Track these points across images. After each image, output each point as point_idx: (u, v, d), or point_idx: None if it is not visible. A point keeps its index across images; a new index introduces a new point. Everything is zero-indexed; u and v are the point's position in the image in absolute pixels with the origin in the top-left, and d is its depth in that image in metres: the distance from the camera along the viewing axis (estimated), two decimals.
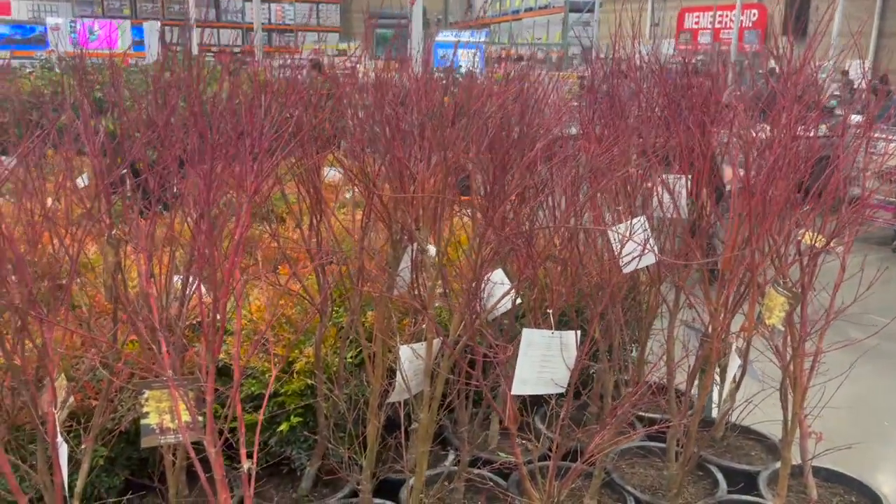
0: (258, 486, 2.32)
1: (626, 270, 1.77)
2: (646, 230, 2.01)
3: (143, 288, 1.58)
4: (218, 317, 1.41)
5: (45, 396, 1.93)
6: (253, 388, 2.21)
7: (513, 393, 1.57)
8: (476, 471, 2.24)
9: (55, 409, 1.89)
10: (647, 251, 1.95)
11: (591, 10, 12.20)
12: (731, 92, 2.39)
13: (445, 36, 10.78)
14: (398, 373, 1.66)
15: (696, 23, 16.19)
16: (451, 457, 2.44)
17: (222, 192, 1.46)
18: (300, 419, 2.24)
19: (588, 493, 2.24)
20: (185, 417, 1.53)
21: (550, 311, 1.56)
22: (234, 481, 2.12)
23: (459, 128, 1.56)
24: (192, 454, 1.48)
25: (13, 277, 1.49)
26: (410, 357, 1.63)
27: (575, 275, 1.77)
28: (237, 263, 1.39)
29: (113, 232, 1.62)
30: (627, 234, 1.81)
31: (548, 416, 2.58)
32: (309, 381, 2.23)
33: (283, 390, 2.21)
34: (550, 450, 1.83)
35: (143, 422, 1.56)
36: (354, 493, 2.26)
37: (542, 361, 1.53)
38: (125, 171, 1.74)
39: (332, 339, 2.25)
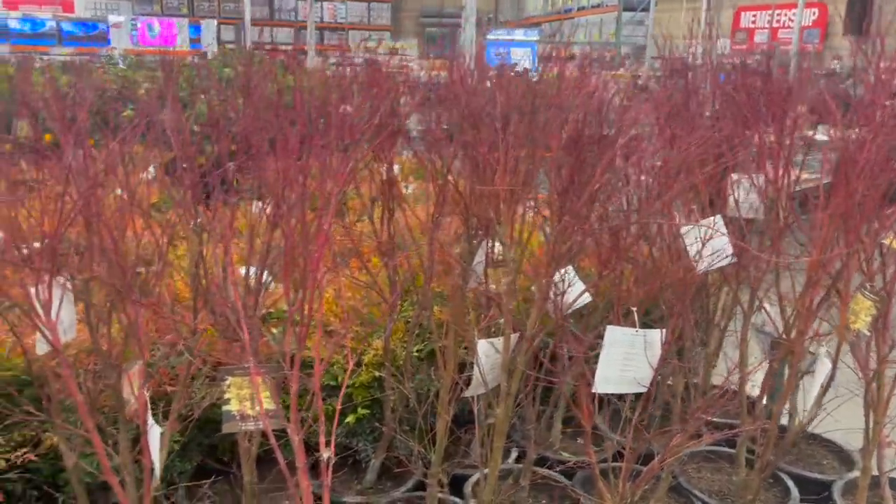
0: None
1: (705, 269, 1.74)
2: (723, 230, 1.97)
3: (228, 276, 1.61)
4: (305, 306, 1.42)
5: (125, 380, 1.99)
6: (322, 379, 2.23)
7: (594, 391, 1.55)
8: (542, 470, 2.23)
9: (139, 392, 1.94)
10: (725, 251, 1.91)
11: (645, 9, 12.02)
12: (812, 90, 2.32)
13: (497, 35, 10.75)
14: (475, 367, 1.66)
15: (753, 22, 15.82)
16: (513, 454, 2.44)
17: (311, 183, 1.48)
18: (367, 411, 2.25)
19: (654, 497, 2.20)
20: (266, 405, 1.55)
21: (634, 309, 1.53)
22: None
23: (542, 121, 1.55)
24: (273, 441, 1.50)
25: (105, 263, 1.54)
26: (488, 351, 1.63)
27: (655, 273, 1.74)
28: (324, 254, 1.41)
29: (198, 220, 1.66)
30: (707, 233, 1.78)
31: (617, 417, 2.55)
32: (376, 374, 2.24)
33: (350, 382, 2.23)
34: (617, 452, 1.81)
35: (224, 408, 1.59)
36: (418, 487, 2.26)
37: (626, 360, 1.51)
38: (211, 160, 1.78)
39: (401, 332, 2.26)
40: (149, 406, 1.46)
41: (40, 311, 1.30)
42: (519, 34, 10.79)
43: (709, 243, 1.80)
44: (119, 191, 1.91)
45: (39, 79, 5.56)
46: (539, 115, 1.56)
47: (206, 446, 2.23)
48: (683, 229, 1.84)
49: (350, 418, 2.23)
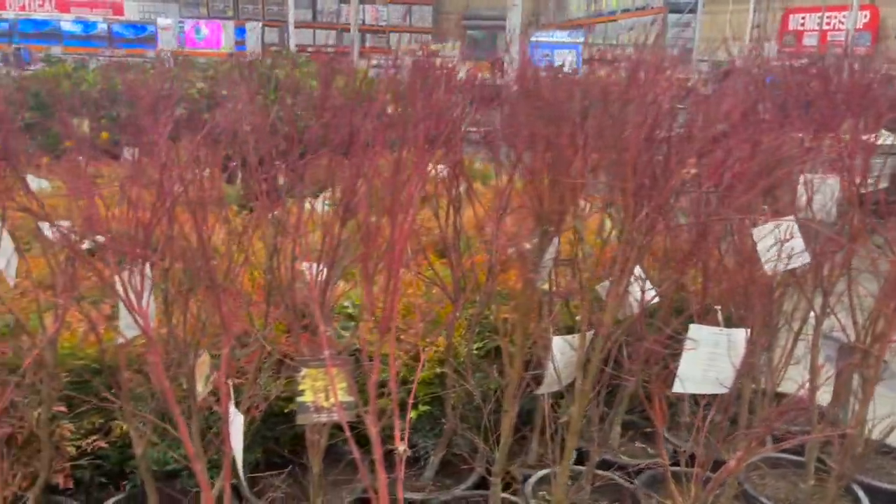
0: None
1: (784, 269, 1.70)
2: (796, 231, 1.93)
3: (305, 270, 1.62)
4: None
5: (197, 369, 2.02)
6: (384, 375, 2.24)
7: (675, 391, 1.52)
8: (605, 473, 2.20)
9: (222, 381, 1.96)
10: (799, 252, 1.87)
11: (692, 11, 11.85)
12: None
13: (541, 37, 10.70)
14: (550, 364, 1.65)
15: (802, 24, 15.49)
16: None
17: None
18: (427, 407, 2.25)
19: (721, 503, 2.16)
20: (340, 397, 1.56)
21: (718, 308, 1.51)
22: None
23: (622, 117, 1.53)
24: (349, 433, 1.51)
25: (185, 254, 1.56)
26: (563, 348, 1.61)
27: (730, 273, 1.71)
28: (405, 249, 1.41)
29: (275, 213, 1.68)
30: (784, 233, 1.74)
31: (672, 421, 2.51)
32: (437, 370, 2.24)
33: (411, 378, 2.23)
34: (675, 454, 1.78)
35: (298, 399, 1.59)
36: (477, 485, 2.25)
37: (709, 360, 1.48)
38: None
39: (462, 328, 2.26)
40: (232, 395, 1.47)
41: (133, 299, 1.32)
42: (562, 36, 10.73)
43: (784, 244, 1.76)
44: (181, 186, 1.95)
45: (98, 78, 5.69)
46: (619, 111, 1.54)
47: (270, 438, 2.26)
48: (760, 229, 1.80)
49: (412, 414, 2.22)
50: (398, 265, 1.40)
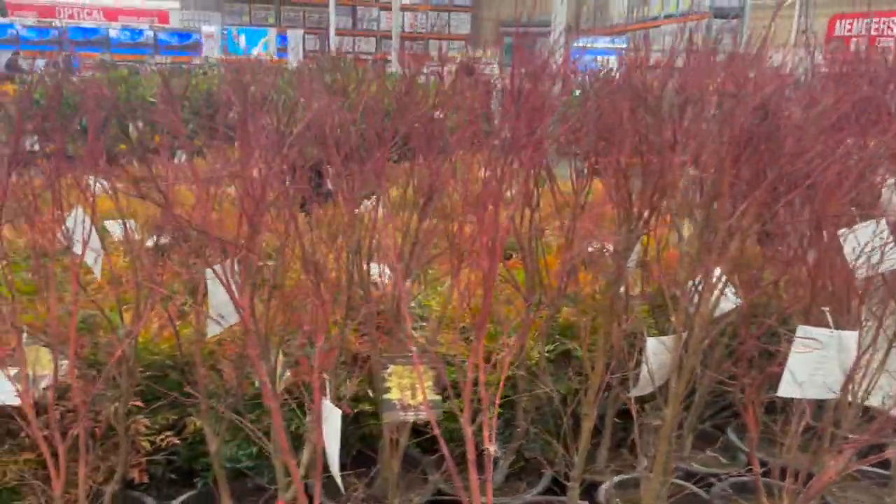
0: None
1: (885, 271, 1.63)
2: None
3: (395, 268, 1.60)
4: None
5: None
6: (453, 376, 2.21)
7: (780, 394, 1.47)
8: (686, 484, 2.14)
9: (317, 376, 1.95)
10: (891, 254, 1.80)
11: (737, 16, 11.68)
12: None
13: (583, 42, 10.62)
14: (643, 366, 1.61)
15: (849, 30, 15.19)
16: (643, 462, 2.35)
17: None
18: (499, 410, 2.22)
19: None
20: (429, 395, 1.54)
21: (827, 309, 1.45)
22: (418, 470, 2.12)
23: (721, 115, 1.49)
24: (437, 432, 1.49)
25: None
26: (656, 350, 1.57)
27: (824, 275, 1.65)
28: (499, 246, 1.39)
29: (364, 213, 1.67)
30: (881, 236, 1.67)
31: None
32: (508, 373, 2.21)
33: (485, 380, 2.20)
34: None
35: (384, 397, 1.58)
36: (548, 490, 2.21)
37: (817, 362, 1.42)
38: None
39: (535, 330, 2.22)
40: (328, 390, 1.46)
41: (235, 292, 1.32)
42: (605, 42, 10.66)
43: (881, 246, 1.70)
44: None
45: (151, 83, 5.80)
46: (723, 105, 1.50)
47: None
48: (850, 230, 1.74)
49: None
50: (494, 263, 1.38)
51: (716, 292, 1.83)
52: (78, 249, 1.62)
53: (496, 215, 1.49)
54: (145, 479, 2.06)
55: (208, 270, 1.41)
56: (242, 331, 1.65)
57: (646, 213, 1.59)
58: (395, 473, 1.78)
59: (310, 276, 1.45)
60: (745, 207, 1.44)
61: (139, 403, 2.05)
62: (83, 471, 1.64)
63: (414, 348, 1.54)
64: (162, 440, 2.09)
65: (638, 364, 1.70)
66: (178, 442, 2.10)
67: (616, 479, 2.23)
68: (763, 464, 2.26)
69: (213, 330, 1.58)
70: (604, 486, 2.19)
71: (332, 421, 1.35)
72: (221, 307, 1.59)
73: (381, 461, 2.02)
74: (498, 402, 1.60)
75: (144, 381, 2.07)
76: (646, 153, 1.50)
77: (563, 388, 2.27)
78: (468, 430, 1.40)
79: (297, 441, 1.95)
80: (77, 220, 1.65)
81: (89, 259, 1.64)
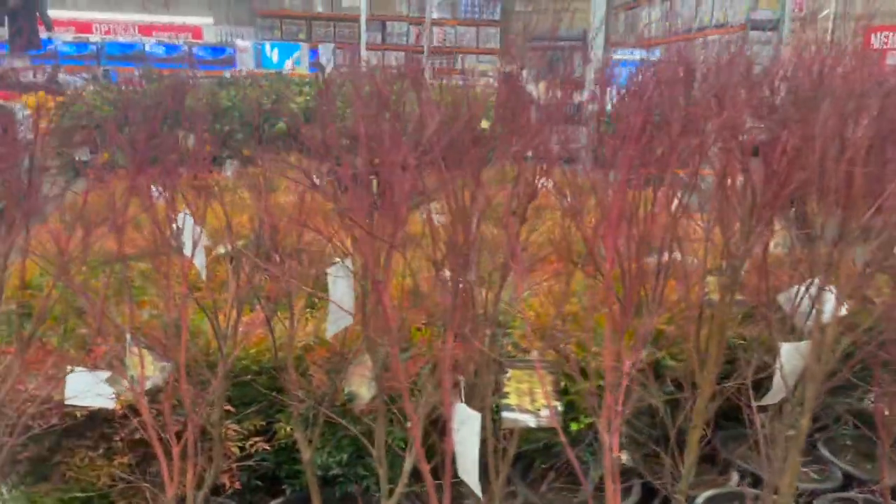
0: (539, 484, 2.29)
1: None
2: None
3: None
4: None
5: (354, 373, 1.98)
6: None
7: None
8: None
9: (366, 389, 1.93)
10: None
11: (773, 29, 11.57)
12: None
13: (618, 55, 10.58)
14: (777, 372, 1.56)
15: (885, 42, 15.03)
16: (735, 477, 2.29)
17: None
18: (590, 419, 2.17)
19: None
20: (545, 402, 1.50)
21: None
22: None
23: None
24: (563, 438, 1.45)
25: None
26: (790, 356, 1.52)
27: None
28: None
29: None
30: None
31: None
32: (600, 382, 2.16)
33: (573, 389, 2.16)
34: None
35: (503, 401, 1.55)
36: (641, 501, 2.16)
37: None
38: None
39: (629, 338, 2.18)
40: (463, 394, 1.43)
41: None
42: (640, 54, 10.60)
43: None
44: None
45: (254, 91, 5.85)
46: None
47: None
48: None
49: (573, 426, 2.15)
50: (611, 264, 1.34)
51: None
52: (188, 251, 1.60)
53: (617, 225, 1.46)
54: (237, 485, 2.03)
55: (330, 269, 1.39)
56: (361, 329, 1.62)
57: (767, 216, 1.55)
58: (500, 483, 1.74)
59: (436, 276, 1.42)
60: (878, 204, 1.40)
61: (229, 408, 2.03)
62: (191, 475, 1.61)
63: (535, 353, 1.50)
64: (251, 446, 2.06)
65: (757, 371, 1.65)
66: (268, 448, 2.08)
67: (709, 492, 2.17)
68: (861, 481, 2.20)
69: (331, 330, 1.56)
70: (698, 501, 2.13)
71: (470, 424, 1.32)
72: (343, 303, 1.55)
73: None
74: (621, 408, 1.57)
75: (233, 387, 2.06)
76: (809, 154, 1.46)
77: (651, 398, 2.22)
78: (605, 438, 1.36)
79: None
80: (185, 224, 1.64)
81: (198, 261, 1.63)
